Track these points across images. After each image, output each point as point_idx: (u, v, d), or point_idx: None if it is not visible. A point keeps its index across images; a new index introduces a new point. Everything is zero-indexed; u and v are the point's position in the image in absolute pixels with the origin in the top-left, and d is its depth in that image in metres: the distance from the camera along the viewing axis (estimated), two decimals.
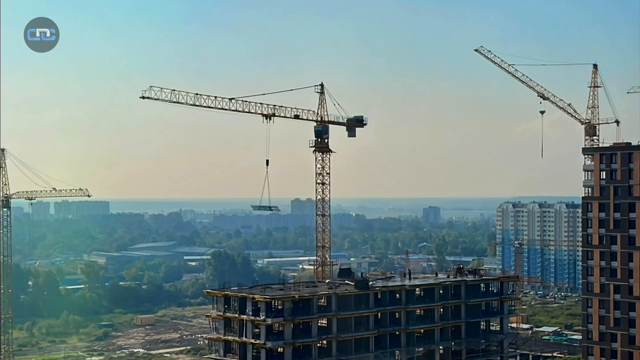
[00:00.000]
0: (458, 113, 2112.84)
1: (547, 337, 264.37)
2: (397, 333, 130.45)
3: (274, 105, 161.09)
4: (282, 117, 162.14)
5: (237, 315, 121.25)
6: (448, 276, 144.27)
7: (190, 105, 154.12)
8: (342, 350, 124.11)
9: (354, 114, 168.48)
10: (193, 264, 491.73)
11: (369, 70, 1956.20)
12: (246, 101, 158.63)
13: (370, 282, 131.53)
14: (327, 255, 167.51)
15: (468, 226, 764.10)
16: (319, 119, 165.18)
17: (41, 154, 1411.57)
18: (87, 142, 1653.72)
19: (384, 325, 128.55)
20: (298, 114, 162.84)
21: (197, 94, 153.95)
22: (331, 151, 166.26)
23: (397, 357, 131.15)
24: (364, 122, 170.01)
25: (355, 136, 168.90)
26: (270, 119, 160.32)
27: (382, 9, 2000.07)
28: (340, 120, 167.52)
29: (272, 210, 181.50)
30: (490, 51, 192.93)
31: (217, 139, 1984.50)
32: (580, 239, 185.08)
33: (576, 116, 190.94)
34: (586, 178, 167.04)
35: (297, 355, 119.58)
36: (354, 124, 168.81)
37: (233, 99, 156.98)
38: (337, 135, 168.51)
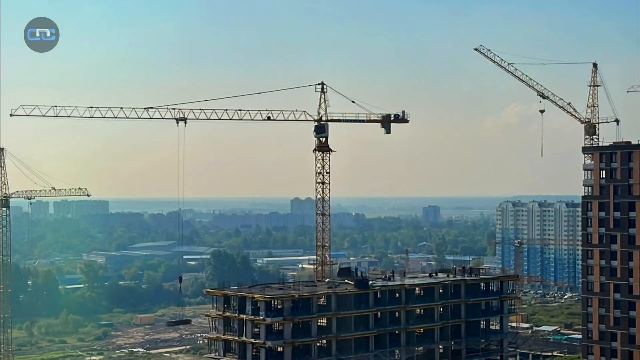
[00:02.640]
0: (457, 112, 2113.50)
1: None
2: (396, 332, 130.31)
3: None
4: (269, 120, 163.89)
5: (236, 314, 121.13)
6: (448, 275, 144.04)
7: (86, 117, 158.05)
8: (342, 349, 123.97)
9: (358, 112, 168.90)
10: (192, 263, 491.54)
11: (368, 69, 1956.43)
12: (175, 109, 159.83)
13: (370, 282, 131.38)
14: (326, 255, 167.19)
15: (468, 225, 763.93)
16: (319, 118, 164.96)
17: (41, 154, 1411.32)
18: (87, 141, 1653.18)
19: (383, 324, 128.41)
20: (270, 115, 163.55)
21: (90, 107, 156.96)
22: (331, 150, 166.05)
23: (396, 357, 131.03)
24: (406, 119, 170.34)
25: (390, 132, 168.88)
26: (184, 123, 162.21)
27: (381, 7, 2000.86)
28: (369, 117, 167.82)
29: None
30: (490, 50, 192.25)
31: (216, 139, 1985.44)
32: (580, 238, 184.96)
33: (576, 115, 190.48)
34: (586, 177, 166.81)
35: (296, 354, 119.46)
36: (389, 120, 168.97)
37: (149, 107, 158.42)
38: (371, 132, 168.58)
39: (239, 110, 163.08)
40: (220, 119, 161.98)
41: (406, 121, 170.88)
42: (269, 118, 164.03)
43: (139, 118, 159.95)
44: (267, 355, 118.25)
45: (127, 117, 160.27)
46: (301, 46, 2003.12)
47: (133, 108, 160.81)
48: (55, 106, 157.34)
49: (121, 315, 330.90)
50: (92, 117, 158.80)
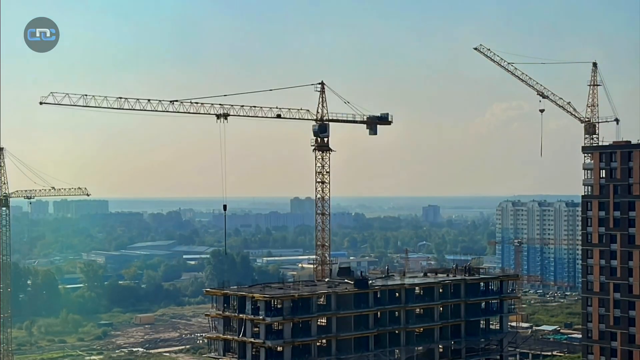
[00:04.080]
0: (457, 111, 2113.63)
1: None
2: (396, 332, 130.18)
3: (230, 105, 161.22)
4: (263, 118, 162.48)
5: (236, 314, 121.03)
6: (448, 275, 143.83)
7: (115, 108, 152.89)
8: (342, 349, 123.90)
9: (360, 112, 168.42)
10: (192, 263, 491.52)
11: (367, 68, 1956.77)
12: (198, 102, 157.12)
13: (370, 281, 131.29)
14: (326, 254, 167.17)
15: (468, 225, 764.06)
16: (319, 117, 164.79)
17: (40, 153, 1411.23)
18: (86, 141, 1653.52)
19: (383, 324, 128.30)
20: (280, 113, 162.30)
21: (119, 97, 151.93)
22: (331, 150, 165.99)
23: (396, 356, 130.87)
24: (389, 120, 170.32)
25: (376, 134, 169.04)
26: (225, 119, 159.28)
27: (381, 7, 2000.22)
28: (358, 119, 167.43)
29: None
30: (489, 49, 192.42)
31: (215, 138, 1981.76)
32: (580, 238, 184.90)
33: (576, 115, 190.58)
34: (586, 177, 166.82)
35: (296, 354, 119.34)
36: (375, 122, 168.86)
37: (176, 101, 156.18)
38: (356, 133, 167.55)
39: (252, 106, 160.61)
40: (237, 115, 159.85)
41: (389, 123, 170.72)
42: (279, 116, 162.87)
43: (165, 111, 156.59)
44: (266, 354, 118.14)
45: (154, 110, 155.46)
46: (301, 45, 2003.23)
47: (160, 100, 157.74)
48: (85, 95, 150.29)
49: (121, 315, 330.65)
50: (120, 109, 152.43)
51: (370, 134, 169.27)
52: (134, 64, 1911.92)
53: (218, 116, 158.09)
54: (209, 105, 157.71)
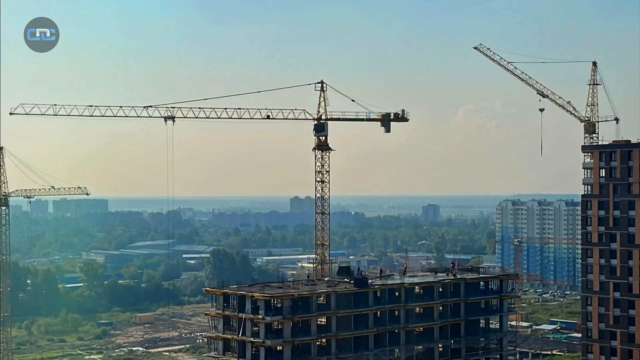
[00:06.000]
0: (457, 111, 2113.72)
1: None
2: (396, 331, 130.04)
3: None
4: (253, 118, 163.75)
5: (236, 313, 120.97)
6: (447, 274, 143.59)
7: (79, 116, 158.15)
8: (342, 348, 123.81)
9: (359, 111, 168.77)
10: (192, 262, 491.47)
11: (367, 68, 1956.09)
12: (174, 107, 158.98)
13: (370, 280, 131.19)
14: (326, 254, 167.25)
15: (467, 224, 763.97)
16: (318, 117, 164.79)
17: (40, 152, 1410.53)
18: (86, 140, 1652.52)
19: (383, 323, 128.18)
20: (269, 114, 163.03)
21: (90, 105, 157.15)
22: (331, 149, 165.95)
23: (396, 356, 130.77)
24: (405, 117, 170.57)
25: (390, 131, 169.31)
26: (172, 121, 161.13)
27: (381, 6, 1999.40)
28: (363, 117, 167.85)
29: None
30: (489, 49, 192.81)
31: (215, 137, 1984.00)
32: (580, 237, 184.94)
33: (575, 114, 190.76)
34: (585, 176, 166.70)
35: (296, 353, 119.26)
36: (389, 119, 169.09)
37: (148, 106, 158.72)
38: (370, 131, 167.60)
39: (238, 109, 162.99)
40: (219, 118, 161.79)
41: (406, 120, 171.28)
42: (268, 117, 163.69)
43: (138, 117, 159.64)
44: (266, 354, 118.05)
45: (126, 116, 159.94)
46: (301, 45, 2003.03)
47: (132, 107, 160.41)
48: (55, 105, 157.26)
49: (120, 314, 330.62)
50: (91, 116, 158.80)
51: (385, 131, 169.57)
52: (135, 64, 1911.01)
53: (166, 119, 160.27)
54: (187, 109, 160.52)
